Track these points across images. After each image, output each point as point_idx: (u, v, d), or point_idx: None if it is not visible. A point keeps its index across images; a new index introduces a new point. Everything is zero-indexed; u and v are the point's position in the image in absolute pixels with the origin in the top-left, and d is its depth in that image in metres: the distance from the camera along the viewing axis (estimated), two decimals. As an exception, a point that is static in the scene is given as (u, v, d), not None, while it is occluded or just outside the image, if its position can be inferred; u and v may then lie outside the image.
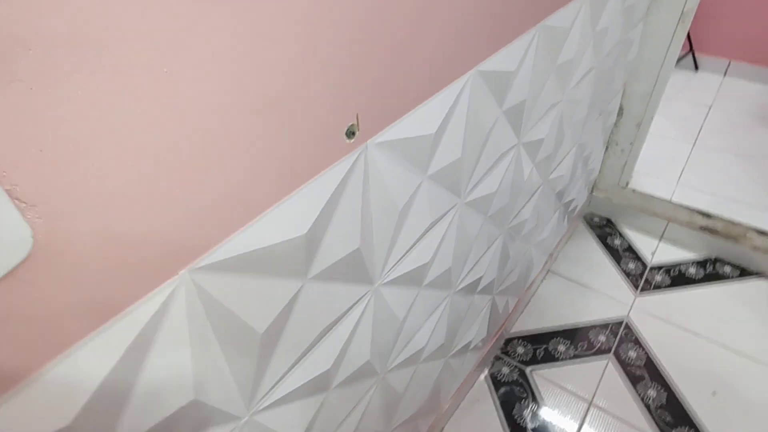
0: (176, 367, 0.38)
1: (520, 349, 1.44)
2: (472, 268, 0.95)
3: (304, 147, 0.43)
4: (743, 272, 1.65)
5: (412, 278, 0.72)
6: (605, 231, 1.83)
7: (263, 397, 0.51)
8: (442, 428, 1.25)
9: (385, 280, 0.66)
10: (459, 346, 1.08)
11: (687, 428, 1.24)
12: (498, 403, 1.31)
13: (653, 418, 1.26)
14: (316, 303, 0.53)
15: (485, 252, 0.98)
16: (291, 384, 0.55)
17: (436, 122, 0.60)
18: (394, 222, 0.61)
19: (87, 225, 0.29)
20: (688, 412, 1.27)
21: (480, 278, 1.01)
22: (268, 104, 0.37)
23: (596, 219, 1.89)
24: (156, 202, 0.32)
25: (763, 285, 1.61)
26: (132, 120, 0.29)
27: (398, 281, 0.69)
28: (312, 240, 0.47)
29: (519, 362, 1.41)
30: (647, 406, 1.29)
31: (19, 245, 0.26)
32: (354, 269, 0.57)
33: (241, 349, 0.45)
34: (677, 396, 1.31)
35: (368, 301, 0.64)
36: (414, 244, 0.69)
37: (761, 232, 1.59)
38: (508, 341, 1.46)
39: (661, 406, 1.29)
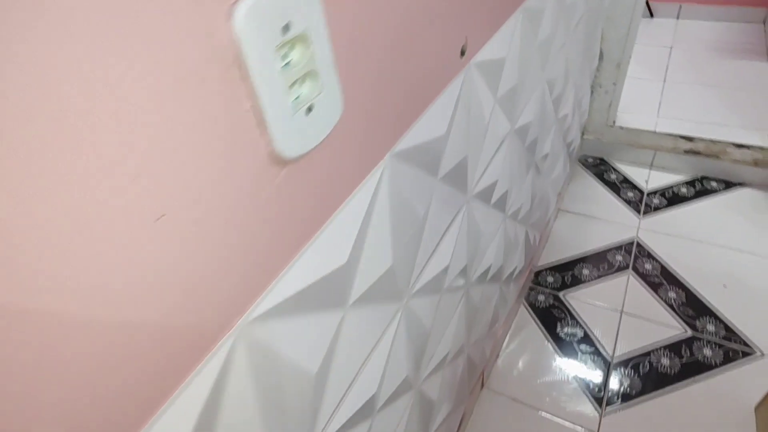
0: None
1: (550, 279, 1.59)
2: (518, 207, 1.09)
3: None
4: (728, 185, 1.84)
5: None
6: (600, 169, 2.00)
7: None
8: (498, 353, 1.38)
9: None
10: (506, 274, 1.21)
11: (708, 317, 1.41)
12: (541, 325, 1.45)
13: (678, 314, 1.43)
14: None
15: (522, 185, 1.12)
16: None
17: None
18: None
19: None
20: (707, 305, 1.44)
21: (519, 208, 1.15)
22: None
23: (590, 159, 2.05)
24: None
25: (747, 192, 1.80)
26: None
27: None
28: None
29: (552, 289, 1.55)
30: (671, 306, 1.45)
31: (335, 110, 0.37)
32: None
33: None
34: (694, 293, 1.48)
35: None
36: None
37: (738, 146, 1.79)
38: (537, 273, 1.61)
39: (682, 304, 1.45)
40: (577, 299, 1.51)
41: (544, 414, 1.24)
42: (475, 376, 1.19)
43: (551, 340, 1.41)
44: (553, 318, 1.47)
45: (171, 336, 0.29)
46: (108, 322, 0.26)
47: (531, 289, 1.57)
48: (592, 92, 1.90)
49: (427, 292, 0.70)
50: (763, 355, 1.31)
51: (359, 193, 0.46)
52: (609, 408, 1.24)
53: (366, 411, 0.59)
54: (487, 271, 1.01)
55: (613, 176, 1.95)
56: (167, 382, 0.30)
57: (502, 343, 1.41)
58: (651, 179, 1.92)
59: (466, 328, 0.97)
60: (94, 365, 0.26)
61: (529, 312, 1.50)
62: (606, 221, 1.77)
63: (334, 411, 0.52)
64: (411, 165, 0.55)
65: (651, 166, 1.97)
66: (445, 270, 0.74)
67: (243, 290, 0.34)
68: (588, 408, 1.25)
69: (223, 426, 0.35)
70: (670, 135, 1.88)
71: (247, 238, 0.34)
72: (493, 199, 0.92)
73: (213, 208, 0.30)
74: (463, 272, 0.85)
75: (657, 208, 1.79)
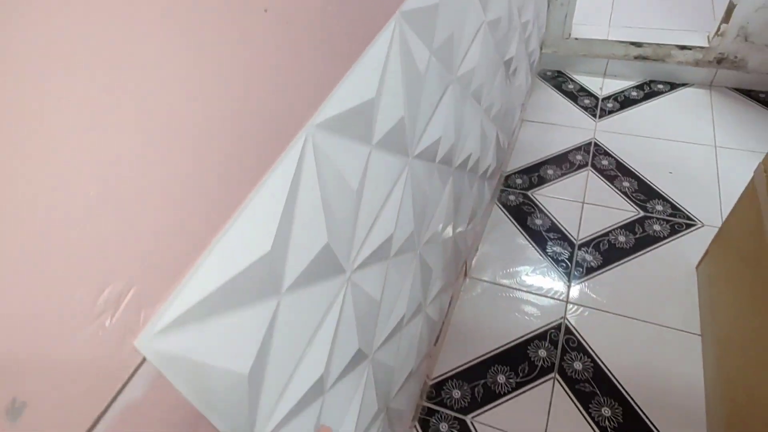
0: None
1: (519, 181, 1.74)
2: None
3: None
4: (672, 86, 2.01)
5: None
6: (558, 80, 2.13)
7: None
8: (477, 246, 1.54)
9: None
10: (480, 172, 1.34)
11: (657, 200, 1.60)
12: (514, 220, 1.62)
13: (631, 199, 1.61)
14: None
15: (493, 85, 1.22)
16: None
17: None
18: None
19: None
20: (656, 189, 1.63)
21: (491, 106, 1.26)
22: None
23: (549, 73, 2.18)
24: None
25: (689, 91, 1.97)
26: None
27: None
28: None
29: (521, 189, 1.71)
30: (625, 193, 1.63)
31: None
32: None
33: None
34: (645, 181, 1.66)
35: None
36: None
37: (681, 47, 1.94)
38: (507, 177, 1.76)
39: (635, 191, 1.63)
40: (543, 196, 1.68)
41: (521, 293, 1.42)
42: (459, 263, 1.34)
43: (523, 232, 1.58)
44: (523, 213, 1.63)
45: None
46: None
47: (502, 191, 1.72)
48: (548, 6, 1.99)
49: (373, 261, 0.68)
50: (703, 225, 1.51)
51: (276, 172, 0.42)
52: (575, 280, 1.43)
53: (315, 390, 0.57)
54: (465, 161, 1.13)
55: (571, 86, 2.09)
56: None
57: (480, 237, 1.56)
58: (605, 86, 2.06)
59: (453, 210, 1.10)
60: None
61: (502, 210, 1.65)
62: (566, 127, 1.92)
63: (275, 405, 0.50)
64: (339, 135, 0.51)
65: (604, 74, 2.11)
66: (390, 239, 0.72)
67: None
68: (558, 282, 1.43)
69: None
70: (621, 42, 2.01)
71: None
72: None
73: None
74: (412, 237, 0.82)
75: (611, 112, 1.95)
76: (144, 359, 0.33)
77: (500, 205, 1.67)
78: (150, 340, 0.33)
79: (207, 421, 0.40)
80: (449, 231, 1.11)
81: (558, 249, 1.51)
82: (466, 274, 1.48)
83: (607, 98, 2.00)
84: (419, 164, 0.79)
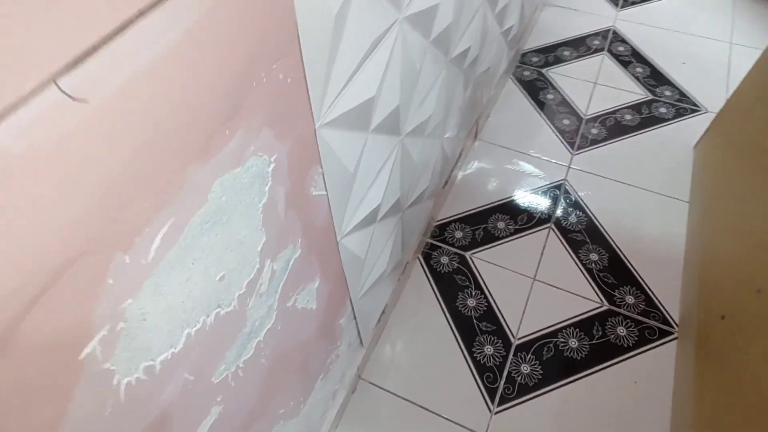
0: None
1: (535, 59, 1.76)
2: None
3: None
4: (698, -16, 1.99)
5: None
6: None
7: None
8: (489, 114, 1.59)
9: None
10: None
11: (666, 86, 1.64)
12: (526, 93, 1.65)
13: (642, 84, 1.65)
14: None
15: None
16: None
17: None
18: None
19: None
20: (666, 77, 1.67)
21: None
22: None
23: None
24: None
25: (714, -10, 1.96)
26: None
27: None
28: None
29: (536, 67, 1.73)
30: (637, 78, 1.67)
31: None
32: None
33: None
34: (657, 69, 1.69)
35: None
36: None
37: (716, -59, 1.89)
38: (524, 55, 1.78)
39: (647, 77, 1.67)
40: (558, 74, 1.71)
41: (527, 156, 1.49)
42: (474, 115, 1.39)
43: (534, 104, 1.62)
44: (536, 88, 1.67)
45: None
46: None
47: (517, 67, 1.74)
48: None
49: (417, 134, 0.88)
50: (707, 111, 1.57)
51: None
52: (579, 150, 1.50)
53: (371, 218, 0.80)
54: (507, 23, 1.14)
55: (596, -23, 2.05)
56: None
57: (493, 105, 1.61)
58: (631, -22, 2.03)
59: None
60: None
61: (515, 84, 1.69)
62: (588, 13, 1.91)
63: (352, 216, 0.74)
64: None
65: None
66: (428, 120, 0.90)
67: None
68: (562, 151, 1.50)
69: None
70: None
71: None
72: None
73: None
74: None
75: (633, 3, 1.93)
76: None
77: (514, 79, 1.70)
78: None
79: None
80: (475, 67, 1.15)
81: (566, 121, 1.57)
82: (476, 137, 1.53)
83: (630, -9, 1.98)
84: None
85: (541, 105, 1.62)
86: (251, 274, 0.51)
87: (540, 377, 1.10)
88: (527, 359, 1.12)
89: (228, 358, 0.52)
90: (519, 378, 1.09)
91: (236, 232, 0.46)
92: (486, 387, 1.09)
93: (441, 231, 1.35)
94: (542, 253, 1.29)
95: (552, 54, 1.77)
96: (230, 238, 0.45)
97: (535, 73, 1.72)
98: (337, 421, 1.03)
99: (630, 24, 1.85)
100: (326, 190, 0.62)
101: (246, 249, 0.49)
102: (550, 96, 1.64)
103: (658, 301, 1.20)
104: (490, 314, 1.19)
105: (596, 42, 1.80)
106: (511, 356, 1.13)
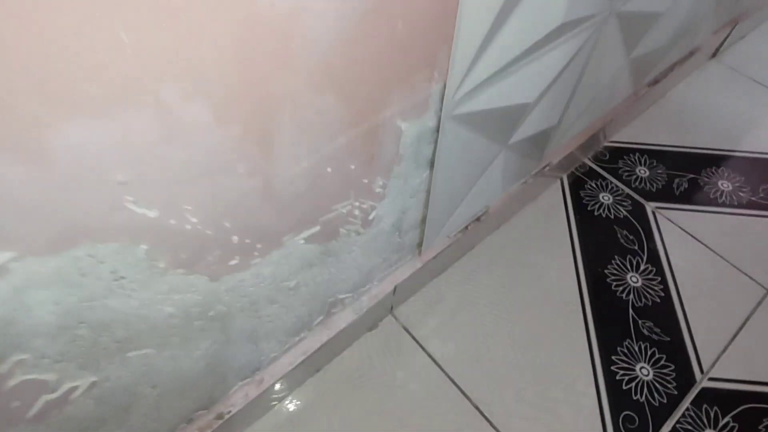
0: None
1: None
2: None
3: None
4: None
5: None
6: None
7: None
8: (744, 34, 0.97)
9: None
10: None
11: None
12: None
13: None
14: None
15: None
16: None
17: None
18: None
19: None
20: None
21: None
22: None
23: None
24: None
25: None
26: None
27: None
28: None
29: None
30: None
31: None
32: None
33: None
34: None
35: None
36: None
37: None
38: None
39: None
40: None
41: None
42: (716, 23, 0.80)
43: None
44: None
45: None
46: None
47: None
48: None
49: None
50: None
51: None
52: None
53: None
54: None
55: None
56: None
57: (755, 26, 0.98)
58: None
59: None
60: None
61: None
62: None
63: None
64: None
65: None
66: None
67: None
68: None
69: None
70: None
71: None
72: None
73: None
74: None
75: None
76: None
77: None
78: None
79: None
80: None
81: None
82: (716, 53, 0.93)
83: None
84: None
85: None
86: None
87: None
88: (712, 421, 0.55)
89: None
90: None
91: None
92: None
93: (613, 157, 0.79)
94: (794, 255, 0.69)
95: None
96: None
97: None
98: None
99: None
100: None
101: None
102: None
103: None
104: (663, 313, 0.63)
105: None
106: (687, 402, 0.56)
